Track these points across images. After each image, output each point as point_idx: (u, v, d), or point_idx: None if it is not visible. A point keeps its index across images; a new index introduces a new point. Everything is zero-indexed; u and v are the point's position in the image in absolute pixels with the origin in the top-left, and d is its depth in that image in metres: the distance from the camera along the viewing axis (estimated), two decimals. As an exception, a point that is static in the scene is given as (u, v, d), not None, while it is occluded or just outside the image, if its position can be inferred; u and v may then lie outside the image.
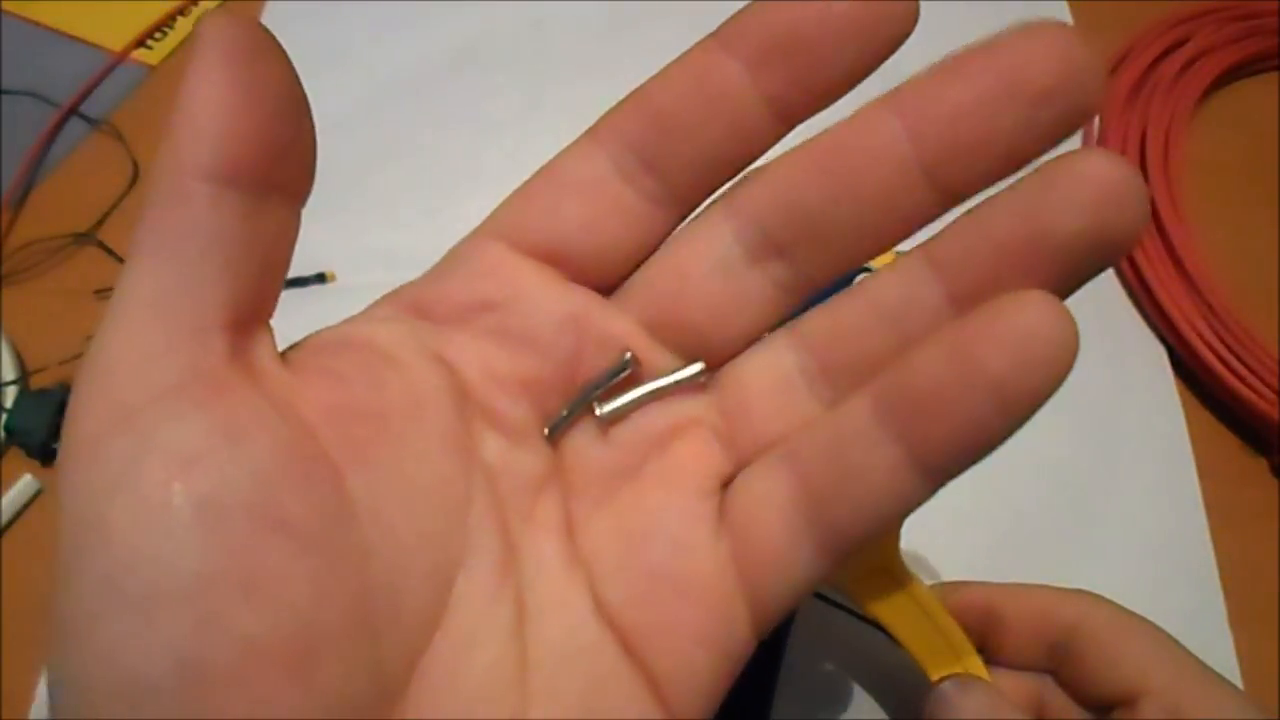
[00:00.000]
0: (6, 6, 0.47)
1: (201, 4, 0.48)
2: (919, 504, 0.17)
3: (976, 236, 0.15)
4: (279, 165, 0.15)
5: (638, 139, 0.17)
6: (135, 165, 0.40)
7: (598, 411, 0.18)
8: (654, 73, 0.17)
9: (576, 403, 0.18)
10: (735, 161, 0.17)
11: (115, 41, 0.46)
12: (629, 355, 0.18)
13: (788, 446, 0.17)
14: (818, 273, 0.17)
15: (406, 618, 0.15)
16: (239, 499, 0.14)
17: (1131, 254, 0.36)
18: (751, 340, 0.18)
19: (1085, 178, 0.15)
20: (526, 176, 0.19)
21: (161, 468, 0.13)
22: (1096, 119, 0.41)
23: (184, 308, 0.14)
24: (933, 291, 0.16)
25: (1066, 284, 0.15)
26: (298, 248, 0.16)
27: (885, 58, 0.16)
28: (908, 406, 0.15)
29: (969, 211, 0.16)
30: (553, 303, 0.17)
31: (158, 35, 0.47)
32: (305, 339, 0.17)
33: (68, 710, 0.14)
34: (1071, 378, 0.38)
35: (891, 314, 0.16)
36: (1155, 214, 0.37)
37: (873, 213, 0.16)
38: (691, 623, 0.17)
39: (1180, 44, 0.42)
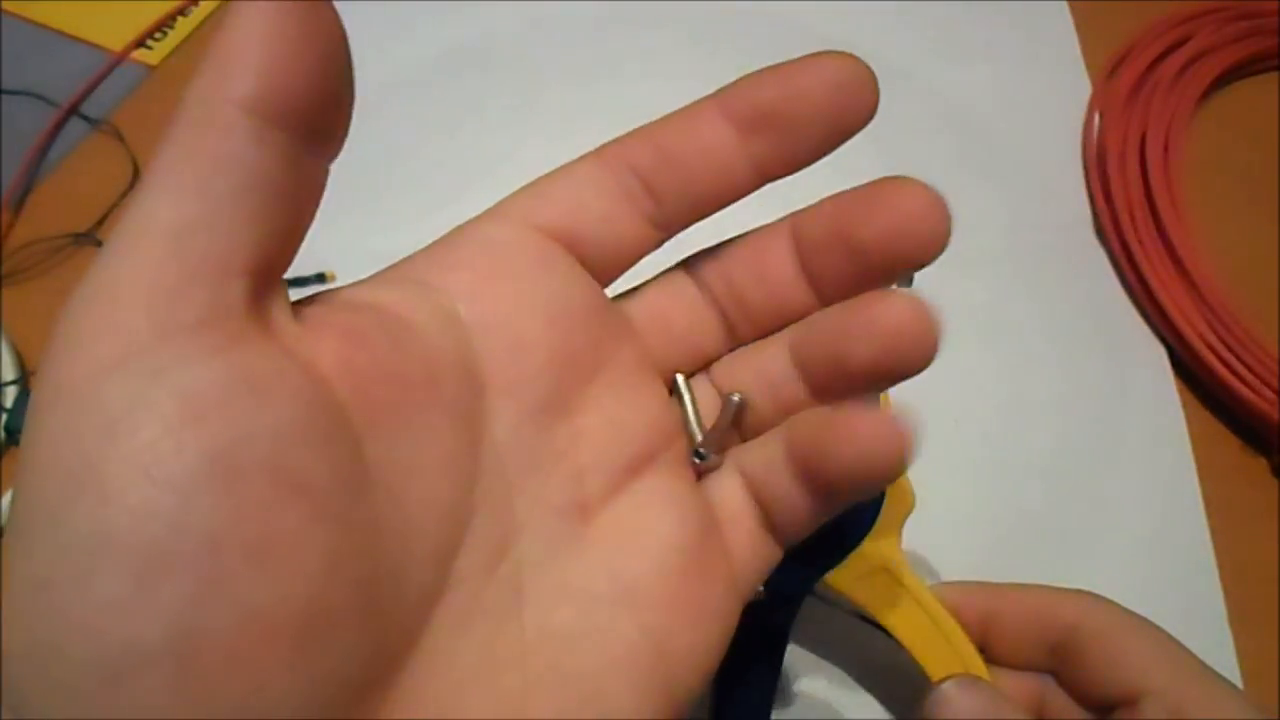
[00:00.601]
0: (6, 6, 0.47)
1: (202, 4, 0.48)
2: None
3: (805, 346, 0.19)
4: (325, 113, 0.15)
5: (643, 167, 0.18)
6: (135, 165, 0.40)
7: (699, 456, 0.19)
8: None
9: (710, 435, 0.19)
10: (718, 202, 0.19)
11: (115, 41, 0.46)
12: (738, 399, 0.19)
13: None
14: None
15: (409, 596, 0.15)
16: (257, 456, 0.13)
17: (1131, 254, 0.36)
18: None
19: (880, 319, 0.18)
20: (525, 176, 0.19)
21: (172, 414, 0.12)
22: (1097, 118, 0.41)
23: (208, 244, 0.13)
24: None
25: (867, 389, 0.19)
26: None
27: (849, 137, 0.18)
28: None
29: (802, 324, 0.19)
30: (571, 282, 0.18)
31: (158, 35, 0.47)
32: (312, 297, 0.16)
33: (24, 686, 0.12)
34: (1072, 378, 0.38)
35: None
36: (1155, 214, 0.37)
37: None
38: (701, 598, 0.17)
39: (1180, 44, 0.42)
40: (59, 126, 0.42)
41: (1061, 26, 0.45)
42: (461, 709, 0.15)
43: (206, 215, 0.13)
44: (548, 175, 0.19)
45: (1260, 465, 0.33)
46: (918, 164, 0.41)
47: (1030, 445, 0.33)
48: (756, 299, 0.19)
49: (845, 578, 0.26)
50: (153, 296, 0.13)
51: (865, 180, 0.19)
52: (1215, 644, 0.29)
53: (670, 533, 0.18)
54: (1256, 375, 0.33)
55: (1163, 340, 0.36)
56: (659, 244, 0.19)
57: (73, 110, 0.43)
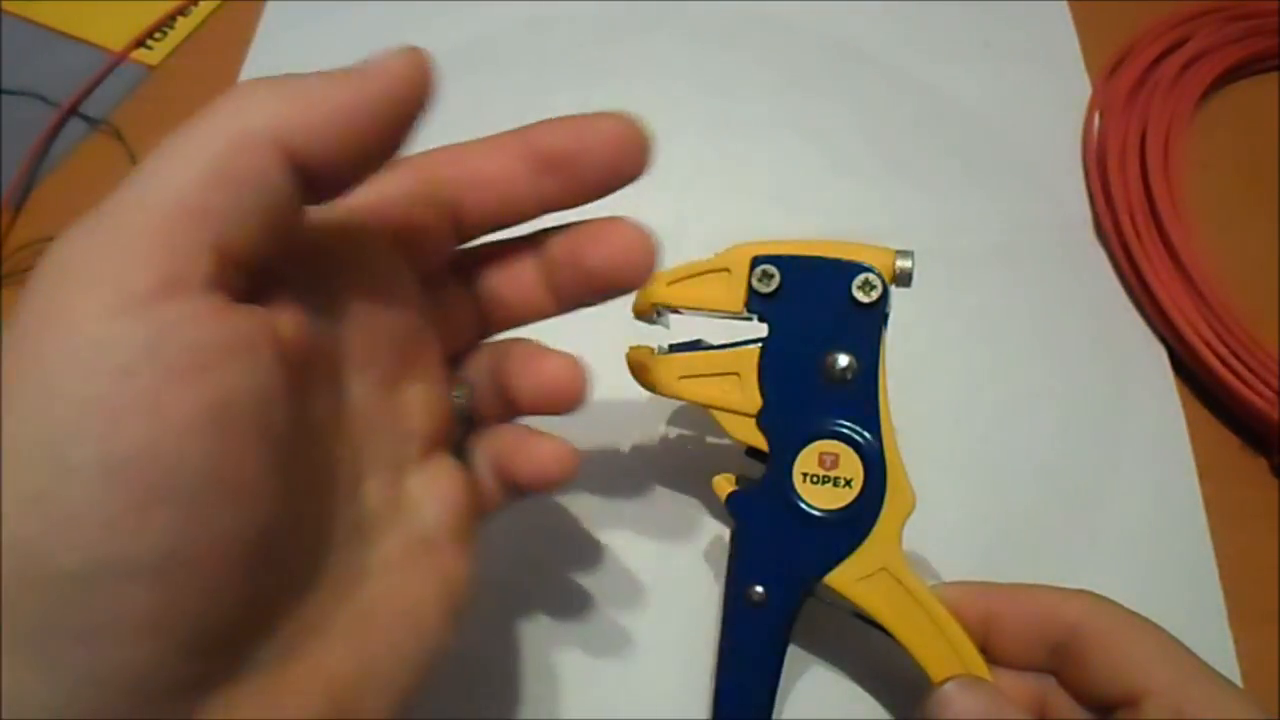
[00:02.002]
0: (6, 6, 0.47)
1: (202, 4, 0.48)
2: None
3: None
4: (350, 180, 0.18)
5: (445, 180, 0.21)
6: (135, 165, 0.40)
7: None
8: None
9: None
10: (501, 222, 0.22)
11: (115, 41, 0.46)
12: (460, 394, 0.24)
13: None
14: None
15: (333, 529, 0.18)
16: (244, 409, 0.15)
17: (1131, 254, 0.36)
18: None
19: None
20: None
21: (181, 364, 0.14)
22: (1097, 118, 0.41)
23: (227, 219, 0.15)
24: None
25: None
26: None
27: (625, 185, 0.21)
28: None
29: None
30: (398, 280, 0.21)
31: (158, 35, 0.47)
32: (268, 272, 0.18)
33: None
34: (1072, 378, 0.38)
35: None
36: (1155, 214, 0.37)
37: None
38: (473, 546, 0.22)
39: (1180, 44, 0.42)
40: (59, 126, 0.42)
41: (1061, 26, 0.45)
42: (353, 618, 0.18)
43: (230, 199, 0.15)
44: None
45: (1260, 465, 0.33)
46: (918, 163, 0.41)
47: (1030, 445, 0.33)
48: (511, 299, 0.23)
49: (845, 578, 0.26)
50: (162, 254, 0.15)
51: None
52: (1215, 644, 0.29)
53: (456, 493, 0.21)
54: (1256, 375, 0.33)
55: (1163, 340, 0.36)
56: (457, 245, 0.23)
57: (73, 110, 0.43)
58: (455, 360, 0.24)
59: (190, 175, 0.15)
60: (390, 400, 0.21)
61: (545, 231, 0.23)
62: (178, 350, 0.14)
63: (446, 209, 0.21)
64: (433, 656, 0.20)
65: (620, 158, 0.21)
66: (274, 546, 0.16)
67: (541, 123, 0.21)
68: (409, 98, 0.17)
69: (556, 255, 0.23)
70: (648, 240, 0.22)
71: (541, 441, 0.22)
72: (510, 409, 0.23)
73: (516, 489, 0.23)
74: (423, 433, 0.21)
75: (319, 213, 0.19)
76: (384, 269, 0.20)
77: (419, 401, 0.21)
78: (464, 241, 0.23)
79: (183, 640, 0.15)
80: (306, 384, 0.17)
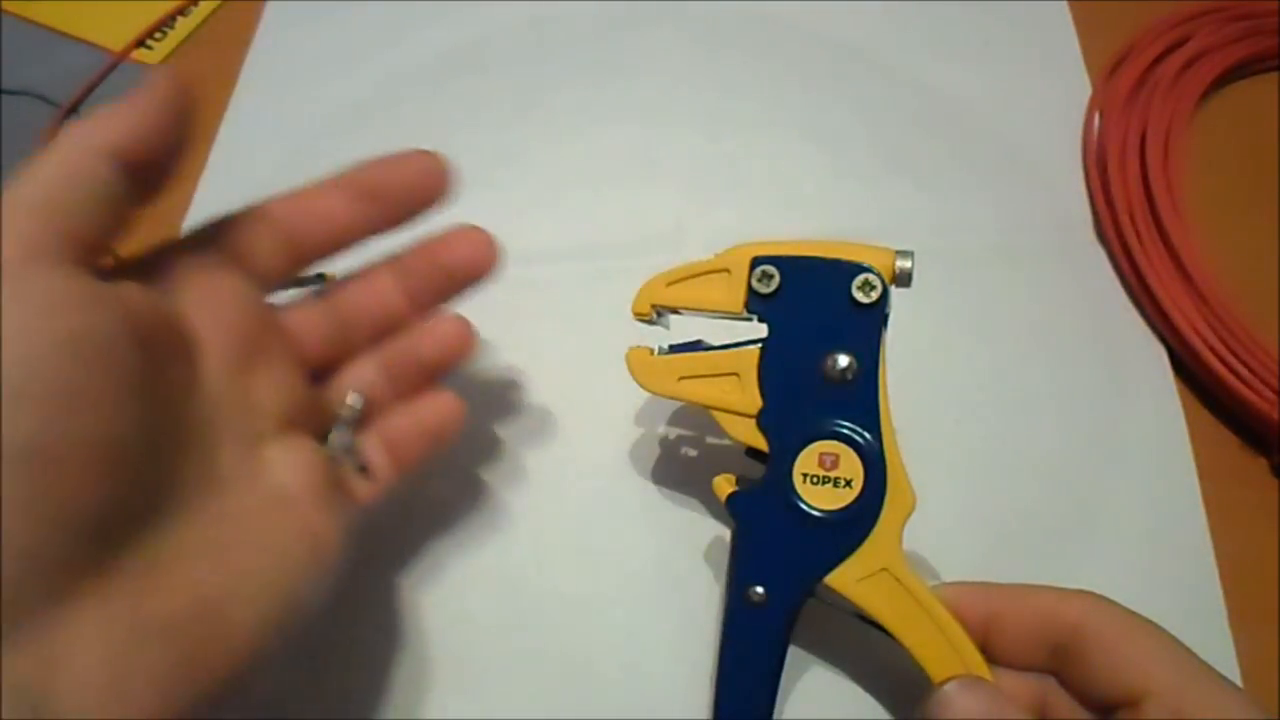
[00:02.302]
0: (6, 6, 0.47)
1: (202, 4, 0.48)
2: None
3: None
4: (161, 175, 0.23)
5: (282, 219, 0.27)
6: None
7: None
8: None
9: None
10: (335, 248, 0.27)
11: (115, 41, 0.46)
12: (355, 400, 0.28)
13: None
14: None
15: (190, 479, 0.22)
16: (98, 339, 0.20)
17: (1131, 254, 0.36)
18: None
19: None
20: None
21: (47, 304, 0.19)
22: (1097, 118, 0.41)
23: (72, 207, 0.21)
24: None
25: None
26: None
27: (431, 208, 0.27)
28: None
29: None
30: (244, 291, 0.26)
31: (158, 35, 0.47)
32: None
33: None
34: (1072, 378, 0.38)
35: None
36: (1155, 214, 0.37)
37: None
38: (329, 504, 0.25)
39: (1180, 44, 0.42)
40: (59, 126, 0.42)
41: (1061, 26, 0.45)
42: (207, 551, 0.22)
43: (70, 195, 0.21)
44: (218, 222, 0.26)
45: (1260, 465, 0.33)
46: (918, 163, 0.41)
47: (1030, 445, 0.33)
48: (370, 304, 0.28)
49: (846, 579, 0.26)
50: (25, 232, 0.20)
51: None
52: (1215, 644, 0.29)
53: (313, 466, 0.25)
54: (1256, 375, 0.33)
55: (1163, 340, 0.36)
56: (300, 266, 0.27)
57: (73, 110, 0.43)
58: (340, 366, 0.28)
59: (43, 176, 0.21)
60: (241, 383, 0.24)
61: (401, 250, 0.29)
62: (40, 298, 0.19)
63: (280, 236, 0.26)
64: (297, 591, 0.23)
65: (424, 187, 0.27)
66: (129, 460, 0.20)
67: (362, 162, 0.27)
68: (181, 109, 0.23)
69: (411, 263, 0.28)
70: (491, 239, 0.28)
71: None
72: (413, 377, 0.28)
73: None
74: (275, 413, 0.25)
75: (168, 232, 0.25)
76: (222, 277, 0.25)
77: (270, 387, 0.25)
78: (307, 263, 0.27)
79: (54, 520, 0.18)
80: (155, 347, 0.22)
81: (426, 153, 0.27)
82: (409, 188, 0.27)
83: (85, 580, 0.19)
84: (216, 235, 0.25)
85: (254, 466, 0.24)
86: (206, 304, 0.24)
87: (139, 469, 0.20)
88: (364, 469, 0.28)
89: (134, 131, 0.22)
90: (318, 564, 0.24)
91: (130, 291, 0.22)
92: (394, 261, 0.29)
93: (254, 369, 0.25)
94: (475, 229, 0.28)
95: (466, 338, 0.28)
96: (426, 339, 0.28)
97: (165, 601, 0.20)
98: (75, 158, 0.21)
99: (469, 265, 0.28)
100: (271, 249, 0.26)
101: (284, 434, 0.25)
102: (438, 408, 0.28)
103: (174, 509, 0.22)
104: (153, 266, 0.24)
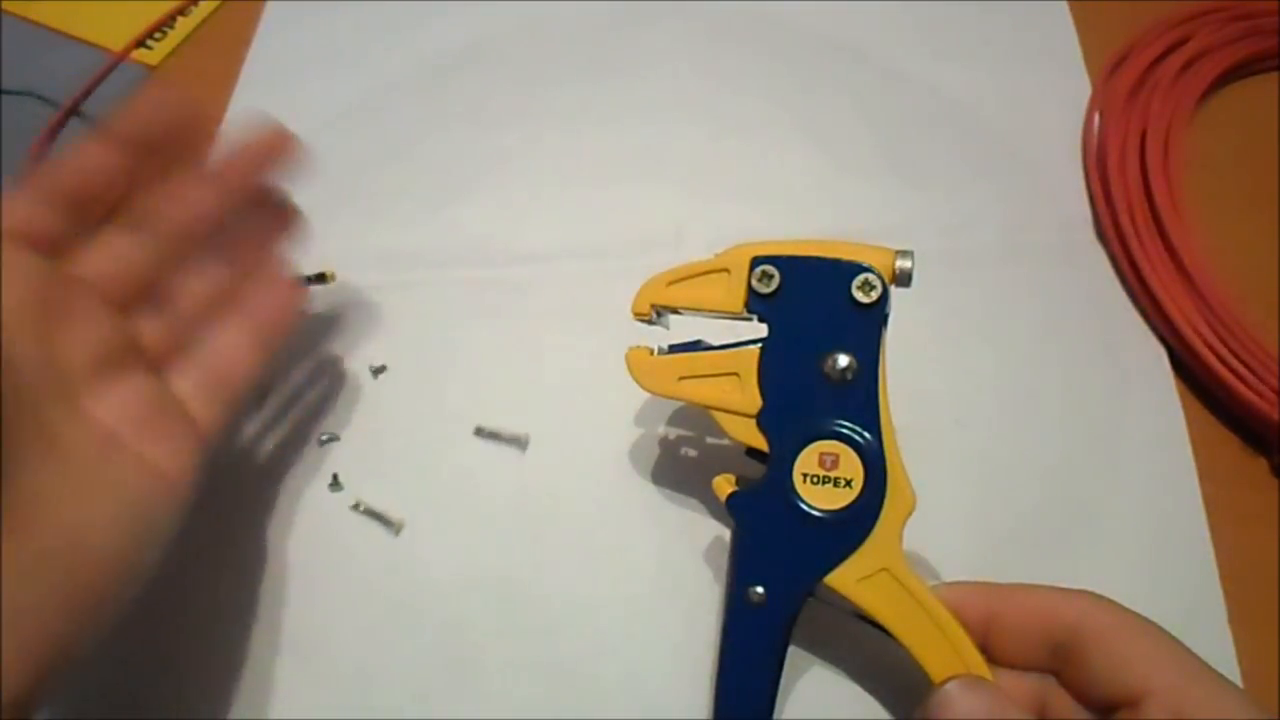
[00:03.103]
0: (6, 6, 0.47)
1: (202, 4, 0.48)
2: None
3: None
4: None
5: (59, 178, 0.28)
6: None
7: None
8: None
9: None
10: (114, 199, 0.28)
11: (115, 41, 0.46)
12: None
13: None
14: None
15: (30, 440, 0.24)
16: None
17: (1131, 254, 0.36)
18: None
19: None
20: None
21: None
22: (1097, 118, 0.41)
23: None
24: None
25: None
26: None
27: (103, 217, 0.28)
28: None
29: None
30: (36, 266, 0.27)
31: (158, 35, 0.47)
32: None
33: None
34: (1072, 378, 0.38)
35: None
36: (1155, 213, 0.37)
37: None
38: (169, 435, 0.27)
39: (1180, 44, 0.42)
40: (59, 126, 0.42)
41: (1061, 26, 0.45)
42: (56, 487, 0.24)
43: None
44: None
45: (1260, 465, 0.33)
46: (918, 163, 0.41)
47: (1030, 445, 0.33)
48: (180, 219, 0.29)
49: (846, 579, 0.26)
50: None
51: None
52: (1215, 644, 0.29)
53: (134, 398, 0.27)
54: (1256, 375, 0.33)
55: (1163, 340, 0.36)
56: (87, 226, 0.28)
57: (73, 110, 0.43)
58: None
59: None
60: (44, 348, 0.25)
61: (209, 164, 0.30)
62: None
63: (58, 200, 0.27)
64: (150, 516, 0.26)
65: (185, 128, 0.29)
66: None
67: (45, 167, 0.28)
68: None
69: (216, 170, 0.30)
70: (282, 127, 0.30)
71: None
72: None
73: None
74: (85, 363, 0.26)
75: None
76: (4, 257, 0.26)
77: (75, 342, 0.26)
78: (95, 218, 0.28)
79: None
80: (28, 305, 0.24)
81: (170, 91, 0.29)
82: (169, 129, 0.28)
83: None
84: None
85: (78, 417, 0.26)
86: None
87: None
88: None
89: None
90: (163, 489, 0.26)
91: None
92: (200, 171, 0.30)
93: (54, 330, 0.26)
94: (268, 124, 0.30)
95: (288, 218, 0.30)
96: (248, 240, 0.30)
97: (36, 536, 0.23)
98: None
99: (270, 154, 0.30)
100: (49, 214, 0.27)
101: (102, 379, 0.26)
102: (269, 303, 0.30)
103: (23, 469, 0.24)
104: None
